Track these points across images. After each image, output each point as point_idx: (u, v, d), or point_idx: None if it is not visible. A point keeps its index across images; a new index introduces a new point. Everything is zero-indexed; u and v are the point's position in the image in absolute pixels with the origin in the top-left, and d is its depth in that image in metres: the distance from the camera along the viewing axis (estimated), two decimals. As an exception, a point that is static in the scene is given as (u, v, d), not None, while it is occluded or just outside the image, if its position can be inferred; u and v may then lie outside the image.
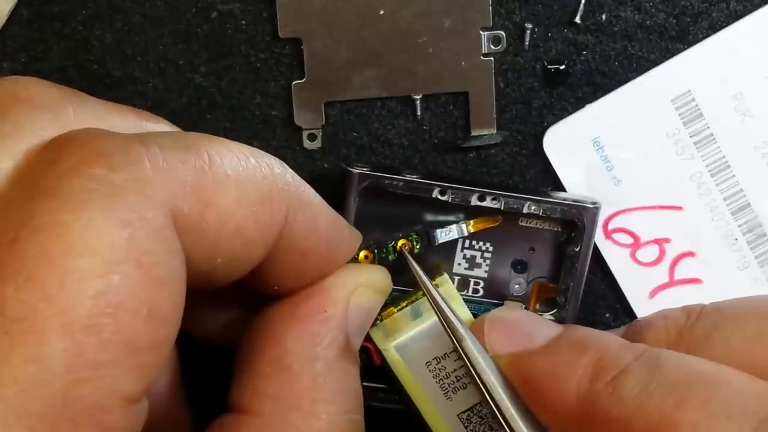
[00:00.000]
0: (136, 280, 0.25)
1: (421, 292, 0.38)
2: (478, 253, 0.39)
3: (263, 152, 0.31)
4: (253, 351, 0.33)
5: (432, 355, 0.38)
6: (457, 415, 0.38)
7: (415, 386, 0.38)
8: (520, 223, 0.39)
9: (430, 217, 0.39)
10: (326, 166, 0.40)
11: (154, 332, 0.26)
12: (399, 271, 0.38)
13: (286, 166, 0.31)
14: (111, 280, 0.25)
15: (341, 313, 0.33)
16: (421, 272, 0.35)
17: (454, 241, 0.39)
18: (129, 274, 0.25)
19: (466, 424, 0.38)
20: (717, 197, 0.40)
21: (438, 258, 0.39)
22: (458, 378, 0.38)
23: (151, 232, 0.26)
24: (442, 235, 0.38)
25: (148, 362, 0.26)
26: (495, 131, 0.40)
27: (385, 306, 0.37)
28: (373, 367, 0.38)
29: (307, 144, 0.40)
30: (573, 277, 0.39)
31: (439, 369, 0.38)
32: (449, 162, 0.40)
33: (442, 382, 0.38)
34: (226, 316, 0.36)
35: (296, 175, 0.32)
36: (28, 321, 0.24)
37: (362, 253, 0.37)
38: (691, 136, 0.40)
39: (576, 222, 0.38)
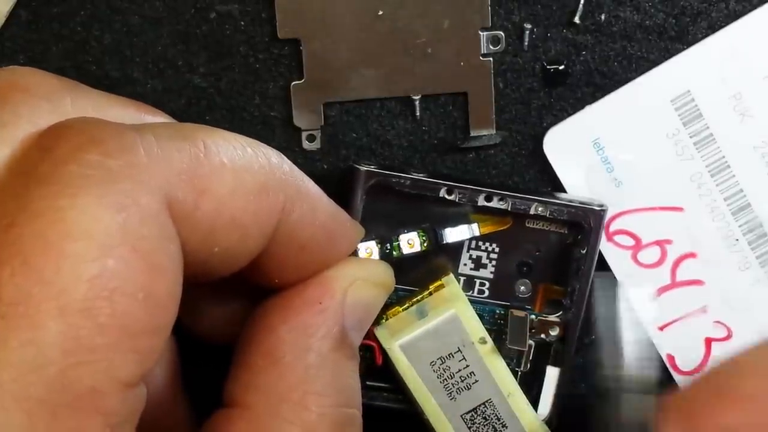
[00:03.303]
0: (132, 265, 0.25)
1: (427, 292, 0.38)
2: (484, 254, 0.39)
3: (260, 143, 0.31)
4: (248, 343, 0.33)
5: (437, 354, 0.37)
6: (461, 416, 0.38)
7: (418, 386, 0.37)
8: (527, 225, 0.39)
9: (434, 216, 0.38)
10: (325, 167, 0.40)
11: (151, 317, 0.26)
12: (403, 268, 0.38)
13: (284, 157, 0.31)
14: (106, 264, 0.25)
15: (337, 305, 0.33)
16: None
17: (461, 242, 0.39)
18: (124, 258, 0.25)
19: (469, 425, 0.38)
20: (717, 198, 0.40)
21: (444, 258, 0.39)
22: (462, 378, 0.38)
23: (146, 217, 0.26)
24: (451, 235, 0.38)
25: (145, 347, 0.26)
26: (494, 132, 0.40)
27: (391, 305, 0.37)
28: (376, 366, 0.38)
29: (306, 145, 0.40)
30: (579, 279, 0.38)
31: (444, 369, 0.37)
32: (448, 162, 0.40)
33: (446, 383, 0.38)
34: (227, 312, 0.36)
35: (294, 166, 0.32)
36: (23, 305, 0.24)
37: (364, 248, 0.37)
38: (690, 137, 0.39)
39: (583, 224, 0.38)
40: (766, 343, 0.33)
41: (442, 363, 0.37)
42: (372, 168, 0.37)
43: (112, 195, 0.26)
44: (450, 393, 0.38)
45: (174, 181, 0.27)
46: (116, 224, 0.25)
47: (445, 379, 0.37)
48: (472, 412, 0.38)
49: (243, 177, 0.29)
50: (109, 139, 0.27)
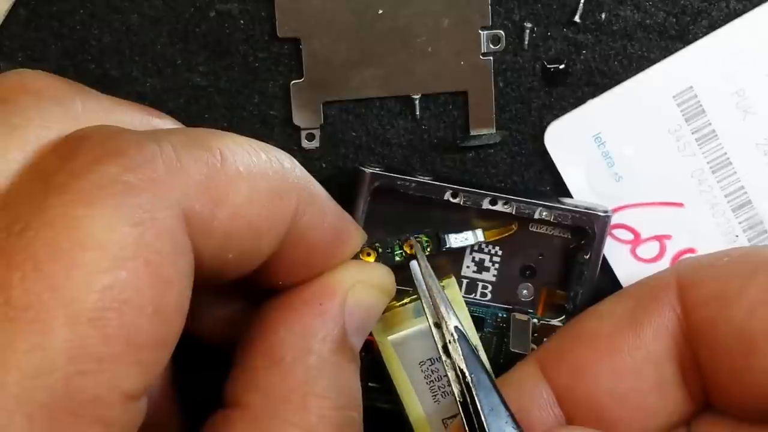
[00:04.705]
0: (143, 278, 0.25)
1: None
2: (487, 257, 0.39)
3: (272, 147, 0.31)
4: (248, 344, 0.32)
5: (427, 355, 0.37)
6: (442, 420, 0.37)
7: (404, 383, 0.37)
8: (530, 229, 0.39)
9: (438, 218, 0.38)
10: (324, 165, 0.40)
11: (158, 330, 0.26)
12: (405, 269, 0.37)
13: (295, 161, 0.31)
14: (118, 275, 0.25)
15: (337, 306, 0.33)
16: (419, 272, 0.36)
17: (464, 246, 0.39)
18: (136, 271, 0.25)
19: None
20: (718, 194, 0.40)
21: (447, 260, 0.39)
22: (449, 383, 0.37)
23: (162, 232, 0.26)
24: (456, 241, 0.38)
25: (150, 360, 0.26)
26: (494, 131, 0.40)
27: (390, 301, 0.37)
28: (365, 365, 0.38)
29: (305, 144, 0.40)
30: (582, 284, 0.38)
31: (432, 371, 0.37)
32: (448, 162, 0.40)
33: (432, 385, 0.37)
34: (228, 313, 0.35)
35: (304, 169, 0.32)
36: (32, 310, 0.24)
37: (365, 252, 0.37)
38: (692, 133, 0.39)
39: (587, 229, 0.38)
40: (623, 292, 0.38)
41: (431, 364, 0.37)
42: (377, 170, 0.37)
43: (130, 208, 0.26)
44: (435, 395, 0.37)
45: (192, 194, 0.27)
46: (132, 237, 0.25)
47: (432, 381, 0.37)
48: (454, 419, 0.37)
49: (258, 183, 0.29)
50: (129, 150, 0.27)
